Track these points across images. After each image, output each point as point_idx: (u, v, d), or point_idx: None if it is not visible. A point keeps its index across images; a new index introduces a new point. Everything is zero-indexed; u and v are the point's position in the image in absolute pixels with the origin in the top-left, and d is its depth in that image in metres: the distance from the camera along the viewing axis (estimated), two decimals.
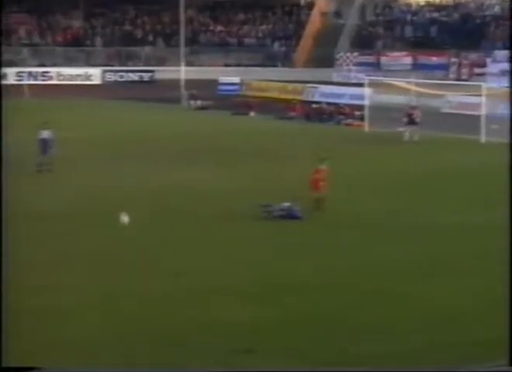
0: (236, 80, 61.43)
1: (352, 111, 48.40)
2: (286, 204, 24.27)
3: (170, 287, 18.27)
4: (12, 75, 65.16)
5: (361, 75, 54.46)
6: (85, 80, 66.67)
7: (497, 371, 13.25)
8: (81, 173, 31.11)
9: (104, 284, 18.47)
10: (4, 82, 64.00)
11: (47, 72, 66.52)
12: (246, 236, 22.59)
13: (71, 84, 64.56)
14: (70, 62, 68.72)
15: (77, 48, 70.35)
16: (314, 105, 51.63)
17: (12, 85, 61.70)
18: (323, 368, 13.73)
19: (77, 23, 73.93)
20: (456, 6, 65.91)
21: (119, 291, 18.00)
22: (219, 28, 73.58)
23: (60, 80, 66.14)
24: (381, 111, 42.05)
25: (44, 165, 30.86)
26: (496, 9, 62.89)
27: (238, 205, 25.89)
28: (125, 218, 21.69)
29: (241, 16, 74.82)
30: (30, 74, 64.96)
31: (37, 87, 60.09)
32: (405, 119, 40.75)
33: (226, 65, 67.93)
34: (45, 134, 31.32)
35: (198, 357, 14.58)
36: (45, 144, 31.04)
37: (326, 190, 24.73)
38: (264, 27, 73.22)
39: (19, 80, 63.71)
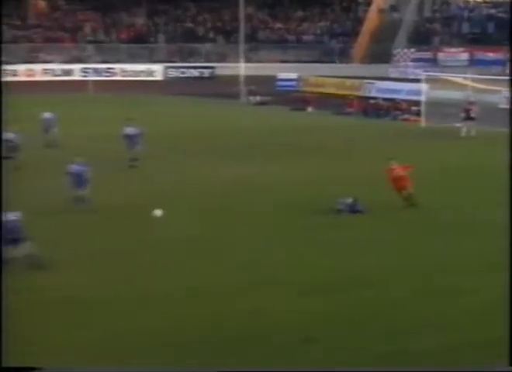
0: (294, 76, 61.00)
1: (409, 107, 47.72)
2: (349, 200, 23.92)
3: (233, 279, 18.15)
4: (77, 71, 65.70)
5: (418, 71, 53.51)
6: (148, 76, 66.81)
7: (497, 371, 12.88)
8: (146, 167, 30.87)
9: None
10: (70, 78, 64.66)
11: (111, 68, 66.78)
12: (303, 229, 22.32)
13: (134, 80, 64.72)
14: (133, 58, 68.92)
15: (140, 45, 70.53)
16: (371, 101, 51.02)
17: (78, 81, 62.31)
18: (325, 368, 13.44)
19: (140, 21, 74.15)
20: None
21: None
22: (278, 25, 73.15)
23: (123, 76, 66.34)
24: (437, 107, 41.40)
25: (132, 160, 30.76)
26: None
27: (295, 198, 25.67)
28: (157, 213, 21.50)
29: (300, 13, 74.30)
30: (95, 70, 65.29)
31: (101, 82, 60.40)
32: (463, 115, 39.98)
33: (285, 61, 67.46)
34: (129, 130, 31.10)
35: (257, 348, 14.36)
36: (130, 140, 30.89)
37: (409, 185, 24.15)
38: (322, 24, 72.58)
39: (85, 75, 64.11)
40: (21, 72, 65.13)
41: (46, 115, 35.80)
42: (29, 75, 65.14)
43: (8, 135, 30.20)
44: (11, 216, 18.48)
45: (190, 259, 19.69)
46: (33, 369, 11.72)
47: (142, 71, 67.10)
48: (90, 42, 70.89)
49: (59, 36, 70.95)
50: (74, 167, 23.91)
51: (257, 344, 14.61)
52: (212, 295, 17.11)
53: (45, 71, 65.71)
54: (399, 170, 24.41)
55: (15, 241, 18.40)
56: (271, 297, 16.98)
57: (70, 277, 18.23)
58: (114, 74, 66.27)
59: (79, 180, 23.64)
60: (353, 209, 23.79)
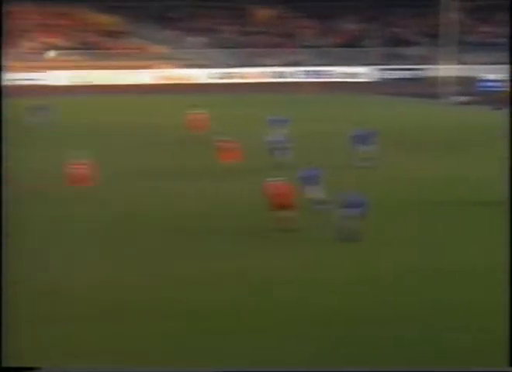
0: (499, 77, 59.87)
1: None
2: None
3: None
4: (295, 73, 67.60)
5: None
6: (360, 77, 67.74)
7: (497, 371, 12.50)
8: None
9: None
10: (287, 80, 66.58)
11: (326, 71, 68.25)
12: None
13: (348, 82, 65.73)
14: (346, 61, 70.00)
15: (352, 49, 71.52)
16: None
17: (295, 83, 64.12)
18: (324, 368, 13.11)
19: (353, 26, 75.11)
20: None
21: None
22: (486, 28, 71.85)
23: (337, 78, 67.58)
24: None
25: (365, 160, 30.02)
26: None
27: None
28: None
29: (507, 17, 72.51)
30: (311, 72, 66.87)
31: (317, 84, 61.66)
32: None
33: (492, 63, 66.24)
34: (358, 131, 30.69)
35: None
36: (358, 139, 30.27)
37: None
38: None
39: (302, 78, 65.79)
40: (242, 75, 67.79)
41: (273, 117, 35.02)
42: (250, 77, 67.73)
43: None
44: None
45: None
46: (33, 369, 11.33)
47: (355, 73, 68.13)
48: (307, 46, 72.66)
49: (277, 41, 73.20)
50: (306, 172, 23.46)
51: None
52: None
53: (265, 74, 68.13)
54: None
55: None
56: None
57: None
58: (329, 76, 67.68)
59: (312, 183, 23.21)
60: None
